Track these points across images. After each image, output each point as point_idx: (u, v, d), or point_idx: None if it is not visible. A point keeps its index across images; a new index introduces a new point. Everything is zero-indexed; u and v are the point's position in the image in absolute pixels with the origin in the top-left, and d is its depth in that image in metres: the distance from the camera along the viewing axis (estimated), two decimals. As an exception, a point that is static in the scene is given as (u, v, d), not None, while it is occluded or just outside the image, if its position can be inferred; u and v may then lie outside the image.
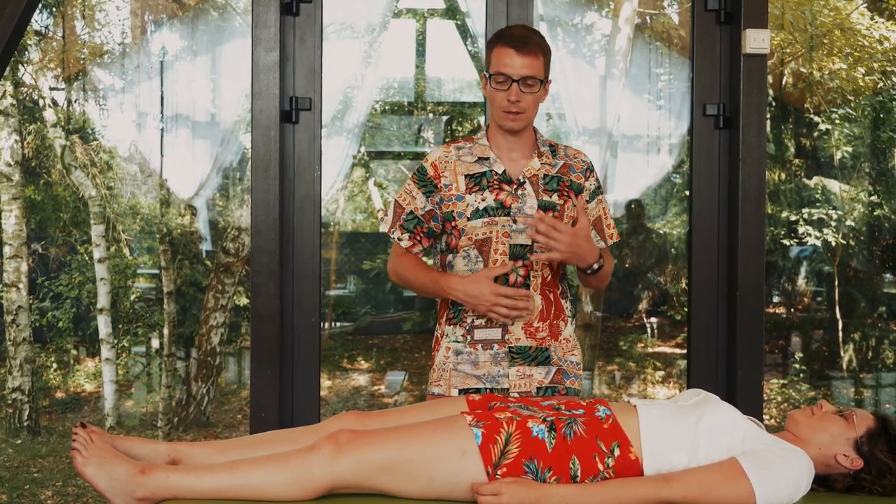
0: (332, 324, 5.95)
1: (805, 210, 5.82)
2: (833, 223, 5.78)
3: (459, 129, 5.75)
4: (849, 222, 5.86)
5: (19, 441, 5.26)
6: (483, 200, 2.39)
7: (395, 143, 5.97)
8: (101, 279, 5.33)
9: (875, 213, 5.89)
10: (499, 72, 2.32)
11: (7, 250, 5.30)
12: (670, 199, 5.74)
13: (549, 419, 1.98)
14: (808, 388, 5.77)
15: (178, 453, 2.08)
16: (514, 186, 2.40)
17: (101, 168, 5.45)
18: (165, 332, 5.35)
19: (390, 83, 5.66)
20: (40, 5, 5.14)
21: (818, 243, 5.81)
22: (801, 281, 6.13)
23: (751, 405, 3.07)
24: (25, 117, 5.47)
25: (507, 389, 2.38)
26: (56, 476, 5.01)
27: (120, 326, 5.48)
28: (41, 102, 5.40)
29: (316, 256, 3.23)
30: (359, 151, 5.71)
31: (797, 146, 6.13)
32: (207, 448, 2.10)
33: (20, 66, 5.31)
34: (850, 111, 5.90)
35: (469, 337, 2.41)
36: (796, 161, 6.11)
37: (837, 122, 5.90)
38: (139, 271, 5.63)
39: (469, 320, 2.41)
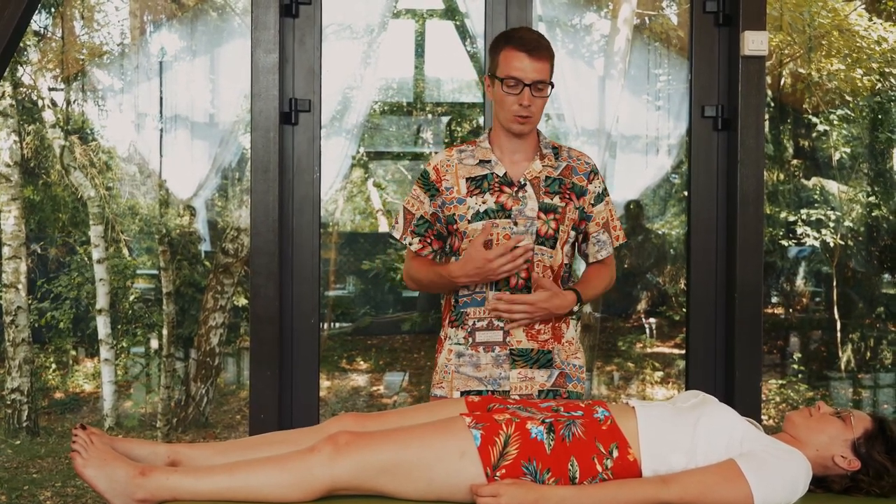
0: (332, 324, 5.95)
1: (803, 211, 5.83)
2: (831, 224, 5.79)
3: (458, 129, 5.75)
4: (847, 223, 5.86)
5: (18, 442, 5.26)
6: (484, 203, 2.39)
7: (395, 144, 5.98)
8: (100, 280, 5.33)
9: (873, 214, 5.90)
10: (510, 76, 2.31)
11: (6, 251, 5.30)
12: (669, 200, 5.75)
13: (547, 421, 1.99)
14: (806, 389, 5.78)
15: (177, 455, 2.09)
16: (515, 189, 2.40)
17: (100, 168, 5.45)
18: (164, 332, 5.35)
19: (389, 84, 5.67)
20: (39, 6, 5.14)
21: (816, 244, 5.82)
22: (799, 281, 6.14)
23: (749, 406, 3.08)
24: (24, 118, 5.47)
25: (509, 392, 2.39)
26: (55, 477, 5.01)
27: (119, 327, 5.48)
28: (40, 103, 5.40)
29: (315, 257, 3.24)
30: (358, 152, 5.72)
31: (796, 147, 6.14)
32: (207, 449, 2.11)
33: (19, 66, 5.31)
34: (849, 112, 5.91)
35: (470, 339, 2.42)
36: (795, 162, 6.11)
37: (836, 122, 5.91)
38: (138, 272, 5.63)
39: (470, 322, 2.42)
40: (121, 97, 5.29)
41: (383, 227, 6.15)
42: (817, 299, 6.11)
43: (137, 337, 5.52)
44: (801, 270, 6.10)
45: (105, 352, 5.34)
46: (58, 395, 5.65)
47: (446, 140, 5.73)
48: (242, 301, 5.48)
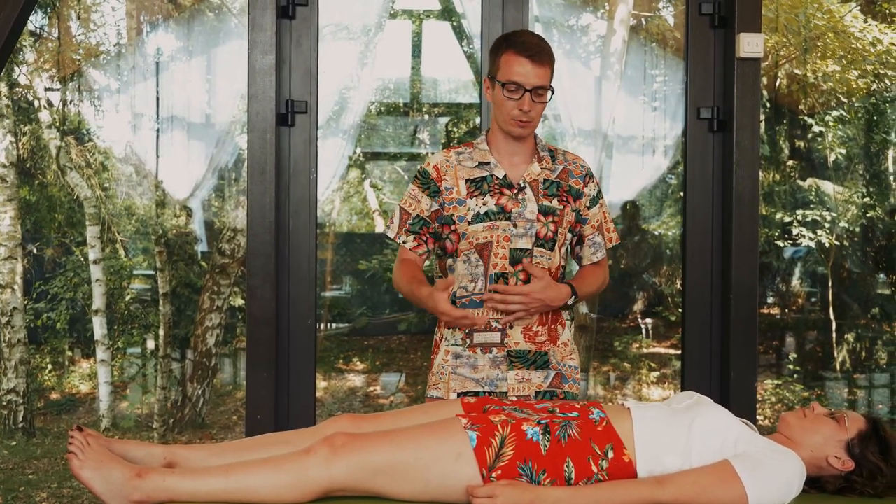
0: (328, 325, 5.95)
1: (799, 211, 5.84)
2: (827, 224, 5.80)
3: (455, 129, 5.76)
4: (842, 224, 5.88)
5: (14, 443, 5.25)
6: (484, 205, 2.40)
7: (391, 144, 5.98)
8: (97, 280, 5.33)
9: (868, 215, 5.91)
10: (512, 80, 2.32)
11: (2, 251, 5.29)
12: (665, 200, 5.76)
13: (543, 422, 2.00)
14: (801, 389, 5.79)
15: (174, 456, 2.09)
16: (515, 191, 2.41)
17: (96, 169, 5.45)
18: (161, 333, 5.35)
19: (386, 84, 5.67)
20: (36, 6, 5.14)
21: (812, 244, 5.83)
22: (795, 282, 6.15)
23: (744, 406, 3.09)
24: (20, 118, 5.47)
25: (506, 393, 2.40)
26: (51, 478, 5.01)
27: (115, 328, 5.48)
28: (36, 103, 5.40)
29: (312, 258, 3.24)
30: (354, 152, 5.72)
31: (791, 148, 6.15)
32: (203, 451, 2.11)
33: (15, 66, 5.31)
34: (844, 113, 5.92)
35: (468, 340, 2.42)
36: (790, 162, 6.13)
37: (831, 124, 5.92)
38: (134, 272, 5.63)
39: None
40: (117, 97, 5.28)
41: (380, 227, 6.15)
42: (813, 300, 6.12)
43: (134, 338, 5.51)
44: (797, 271, 6.12)
45: (101, 352, 5.34)
46: (54, 395, 5.65)
47: (443, 141, 5.73)
48: (239, 302, 5.48)
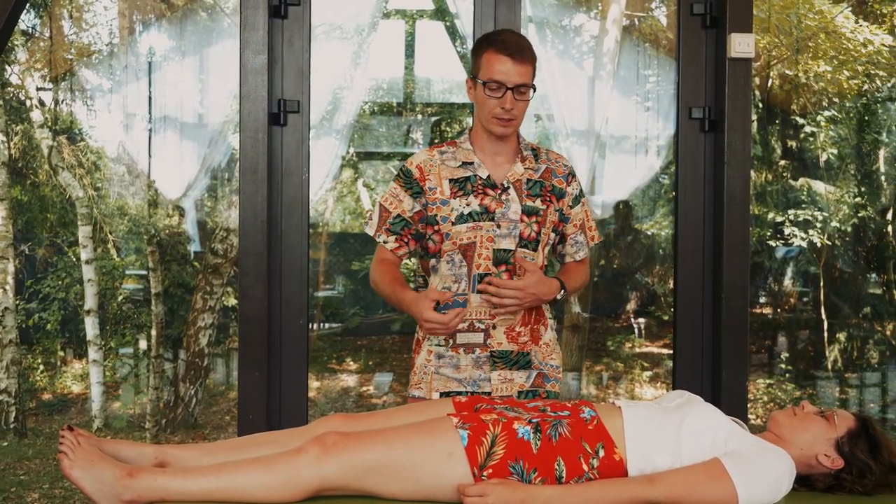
0: (321, 325, 5.95)
1: (791, 211, 5.86)
2: (819, 224, 5.82)
3: (448, 129, 5.76)
4: (834, 223, 5.90)
5: (5, 443, 5.24)
6: (468, 205, 2.39)
7: (384, 144, 5.97)
8: (89, 280, 5.31)
9: (860, 215, 5.94)
10: (493, 79, 2.31)
11: (-6, 251, 5.29)
12: (658, 200, 5.77)
13: (534, 421, 2.00)
14: (793, 388, 5.81)
15: (165, 456, 2.09)
16: (499, 191, 2.41)
17: (88, 169, 5.44)
18: (153, 333, 5.34)
19: (379, 84, 5.67)
20: (28, 5, 5.12)
21: (804, 244, 5.85)
22: (787, 281, 6.17)
23: (735, 405, 3.10)
24: (12, 118, 5.45)
25: (489, 393, 2.40)
26: (43, 478, 4.99)
27: (107, 328, 5.47)
28: (28, 103, 5.39)
29: (304, 258, 3.24)
30: (347, 152, 5.71)
31: (783, 148, 6.17)
32: (195, 450, 2.11)
33: (7, 66, 5.29)
34: (836, 113, 5.94)
35: (451, 341, 2.43)
36: (782, 162, 6.14)
37: (823, 124, 5.95)
38: (127, 272, 5.62)
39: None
40: (109, 97, 5.27)
41: (374, 227, 6.13)
42: (804, 299, 6.14)
43: (126, 338, 5.50)
44: (789, 270, 6.14)
45: (93, 353, 5.33)
46: (46, 396, 5.63)
47: (437, 140, 5.74)
48: (232, 302, 5.47)
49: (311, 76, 3.25)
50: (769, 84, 5.86)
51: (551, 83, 4.33)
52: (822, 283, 5.92)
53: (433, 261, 2.47)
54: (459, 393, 2.41)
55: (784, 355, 5.96)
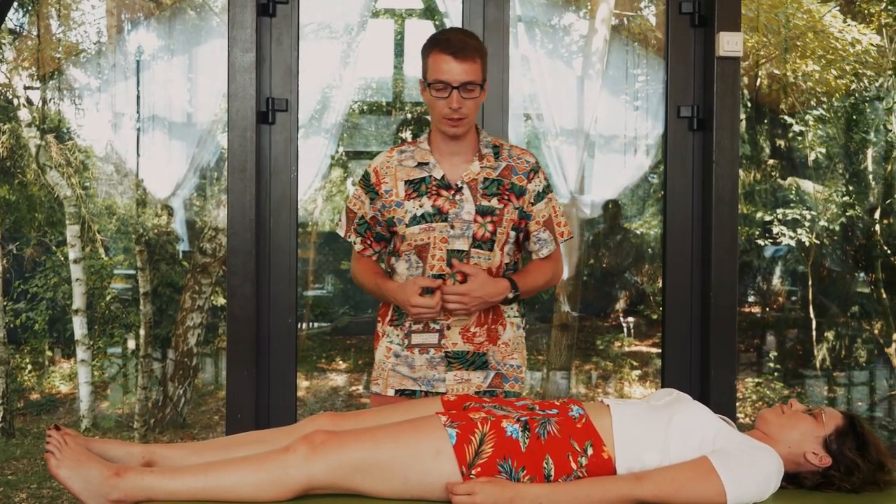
0: (310, 324, 5.94)
1: (779, 210, 5.88)
2: (807, 223, 5.84)
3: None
4: (822, 222, 5.92)
5: (-7, 443, 5.21)
6: (421, 206, 2.39)
7: (374, 143, 5.97)
8: (77, 280, 5.29)
9: (848, 214, 5.96)
10: (438, 79, 2.30)
11: (-19, 251, 5.26)
12: (647, 200, 5.77)
13: (522, 419, 2.00)
14: (782, 387, 5.83)
15: (152, 455, 2.08)
16: (452, 192, 2.40)
17: (76, 168, 5.42)
18: (142, 333, 5.32)
19: (368, 83, 5.66)
20: (15, 4, 5.10)
21: (792, 243, 5.87)
22: (775, 280, 6.19)
23: (724, 404, 3.11)
24: None
25: (444, 394, 2.41)
26: (31, 478, 4.97)
27: (95, 327, 5.44)
28: (16, 101, 5.36)
29: (293, 257, 3.23)
30: (337, 151, 5.70)
31: (772, 147, 6.19)
32: (182, 450, 2.10)
33: (-6, 65, 5.27)
34: (824, 113, 5.96)
35: (406, 341, 2.45)
36: (771, 162, 6.16)
37: (811, 123, 5.97)
38: (115, 272, 5.59)
39: (408, 325, 2.45)
40: (97, 96, 5.25)
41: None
42: (793, 298, 6.16)
43: (114, 337, 5.48)
44: (777, 270, 6.16)
45: (81, 352, 5.30)
46: (34, 396, 5.60)
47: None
48: (221, 301, 5.46)
49: (299, 75, 3.25)
50: (757, 83, 5.88)
51: (540, 82, 4.34)
52: (810, 282, 5.94)
53: (393, 259, 2.49)
54: (414, 392, 2.44)
55: (772, 354, 5.98)
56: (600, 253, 5.73)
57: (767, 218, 5.88)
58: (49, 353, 5.65)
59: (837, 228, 6.00)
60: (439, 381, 2.43)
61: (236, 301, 3.10)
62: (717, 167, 3.17)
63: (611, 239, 5.70)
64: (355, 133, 5.82)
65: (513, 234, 2.47)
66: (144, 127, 5.05)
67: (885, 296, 5.88)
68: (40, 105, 5.43)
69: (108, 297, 5.49)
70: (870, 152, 6.05)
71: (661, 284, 5.44)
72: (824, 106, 5.94)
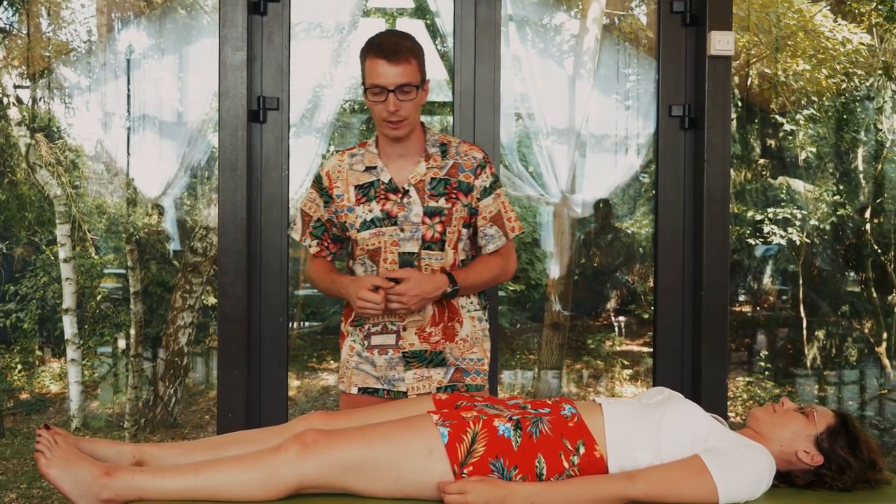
0: (301, 323, 5.92)
1: (770, 209, 5.89)
2: (798, 222, 5.85)
3: (428, 128, 5.74)
4: (813, 222, 5.93)
5: (-17, 443, 5.19)
6: (370, 211, 2.40)
7: (365, 143, 5.95)
8: (67, 279, 5.27)
9: (838, 213, 5.98)
10: (373, 84, 2.30)
11: (-30, 250, 5.23)
12: (639, 199, 5.78)
13: (515, 418, 2.00)
14: (773, 386, 5.85)
15: (143, 454, 2.07)
16: (400, 195, 2.40)
17: (66, 167, 5.39)
18: (132, 332, 5.30)
19: (360, 82, 5.65)
20: (4, 2, 5.08)
21: (783, 242, 5.89)
22: (766, 279, 6.21)
23: (715, 403, 3.12)
24: (-11, 115, 5.40)
25: (406, 392, 2.43)
26: (21, 478, 4.95)
27: (86, 327, 5.42)
28: (5, 100, 5.33)
29: (284, 256, 3.23)
30: (328, 150, 5.69)
31: (763, 146, 6.20)
32: (173, 449, 2.10)
33: (-17, 63, 5.24)
34: (815, 112, 5.98)
35: (366, 342, 2.46)
36: (762, 161, 6.18)
37: (802, 122, 5.98)
38: (105, 271, 5.57)
39: (367, 327, 2.46)
40: (88, 95, 5.23)
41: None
42: (784, 297, 6.18)
43: (105, 337, 5.46)
44: (768, 269, 6.17)
45: (72, 352, 5.28)
46: (23, 396, 5.58)
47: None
48: (212, 300, 5.44)
49: (290, 74, 3.24)
50: (748, 82, 5.90)
51: (531, 82, 4.34)
52: (801, 282, 5.96)
53: (351, 262, 2.51)
54: (377, 390, 2.45)
55: (763, 353, 5.99)
56: (591, 252, 5.74)
57: (758, 217, 5.89)
58: (39, 353, 5.63)
59: (828, 228, 6.01)
60: (399, 380, 2.45)
61: (227, 300, 3.09)
62: (709, 166, 3.17)
63: (602, 238, 5.70)
64: (346, 132, 5.81)
65: (465, 231, 2.46)
66: (135, 126, 5.03)
67: (875, 295, 5.90)
68: (30, 104, 5.41)
69: (98, 297, 5.46)
70: (860, 152, 6.07)
71: (652, 283, 5.44)
72: (815, 105, 5.95)
